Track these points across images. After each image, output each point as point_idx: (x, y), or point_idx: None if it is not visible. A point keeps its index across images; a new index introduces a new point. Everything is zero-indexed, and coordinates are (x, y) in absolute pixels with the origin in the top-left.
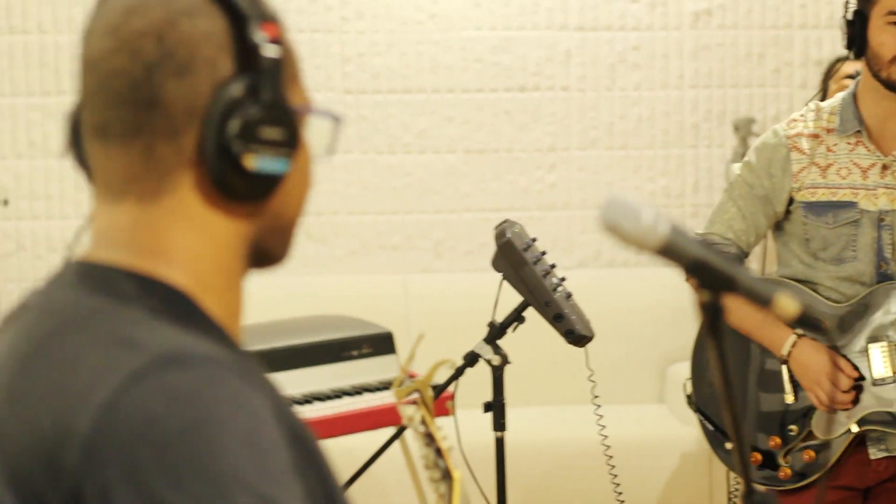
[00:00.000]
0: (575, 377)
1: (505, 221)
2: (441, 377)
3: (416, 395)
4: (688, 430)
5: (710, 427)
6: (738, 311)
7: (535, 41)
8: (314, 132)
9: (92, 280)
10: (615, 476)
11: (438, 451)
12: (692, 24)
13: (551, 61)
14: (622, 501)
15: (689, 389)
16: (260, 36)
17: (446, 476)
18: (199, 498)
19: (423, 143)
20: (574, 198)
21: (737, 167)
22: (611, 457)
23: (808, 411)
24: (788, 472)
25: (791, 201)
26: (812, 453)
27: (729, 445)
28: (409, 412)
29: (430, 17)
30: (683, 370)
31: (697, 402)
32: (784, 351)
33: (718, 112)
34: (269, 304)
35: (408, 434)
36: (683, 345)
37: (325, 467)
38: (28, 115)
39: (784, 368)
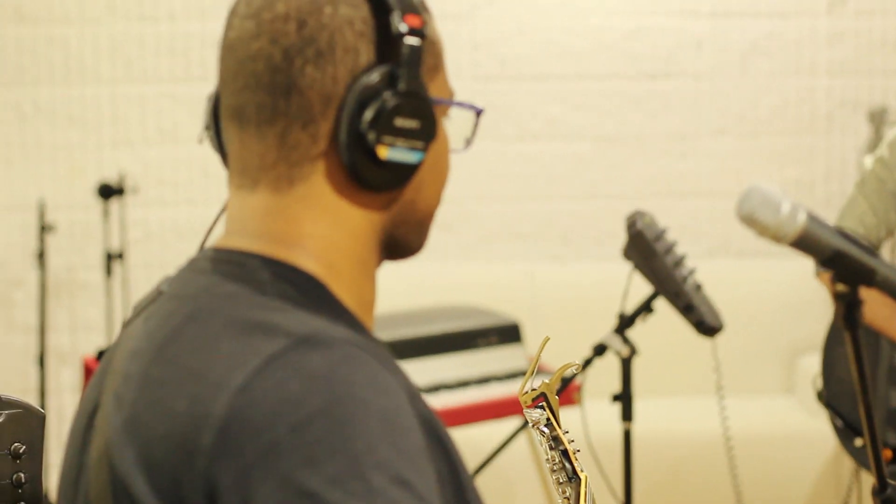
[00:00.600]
0: (704, 368)
1: (636, 211)
2: (577, 371)
3: (541, 398)
4: (816, 422)
5: (840, 423)
6: (870, 305)
7: (666, 29)
8: (454, 123)
9: (226, 266)
10: (740, 469)
11: (565, 453)
12: (827, 10)
13: (682, 49)
14: (747, 494)
15: (820, 385)
16: (402, 26)
17: (573, 478)
18: (334, 477)
19: (552, 131)
20: (704, 187)
21: (869, 161)
22: (732, 449)
23: None
24: None
25: None
26: None
27: (859, 442)
28: (535, 415)
29: (561, 4)
30: (812, 361)
31: (828, 398)
32: None
33: (853, 101)
34: (395, 291)
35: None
36: (812, 336)
37: (455, 456)
38: (158, 103)
39: None
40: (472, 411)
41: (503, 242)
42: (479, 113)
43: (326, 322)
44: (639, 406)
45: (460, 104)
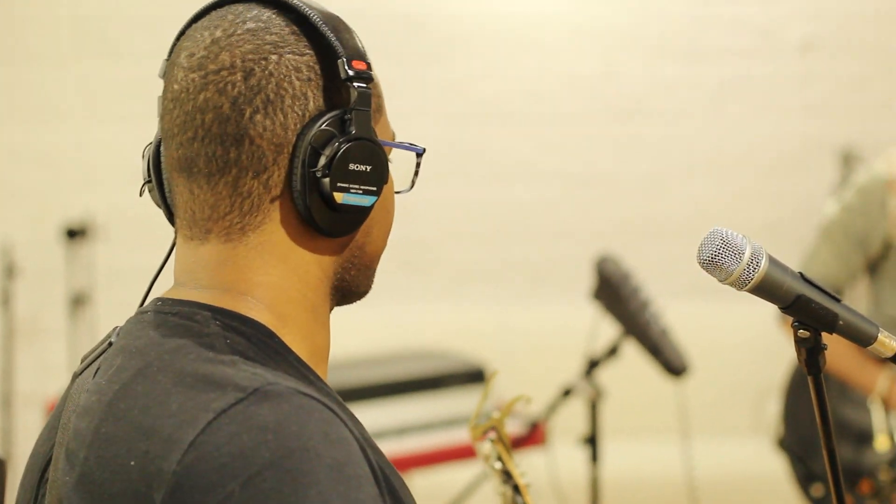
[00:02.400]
0: (673, 409)
1: (603, 255)
2: (530, 411)
3: (492, 433)
4: (784, 464)
5: (802, 469)
6: (830, 350)
7: (636, 70)
8: (397, 165)
9: (175, 318)
10: None
11: (516, 489)
12: (799, 52)
13: (653, 90)
14: None
15: (782, 432)
16: (350, 71)
17: None
18: None
19: (521, 172)
20: (673, 228)
21: (832, 206)
22: (696, 492)
23: None
24: None
25: (888, 243)
26: None
27: (817, 490)
28: (486, 449)
29: (532, 46)
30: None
31: (789, 444)
32: (883, 387)
33: (823, 142)
34: (362, 333)
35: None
36: (781, 378)
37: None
38: (125, 144)
39: (878, 410)
40: (437, 454)
41: (472, 284)
42: (420, 154)
43: (278, 374)
44: (607, 447)
45: (404, 146)
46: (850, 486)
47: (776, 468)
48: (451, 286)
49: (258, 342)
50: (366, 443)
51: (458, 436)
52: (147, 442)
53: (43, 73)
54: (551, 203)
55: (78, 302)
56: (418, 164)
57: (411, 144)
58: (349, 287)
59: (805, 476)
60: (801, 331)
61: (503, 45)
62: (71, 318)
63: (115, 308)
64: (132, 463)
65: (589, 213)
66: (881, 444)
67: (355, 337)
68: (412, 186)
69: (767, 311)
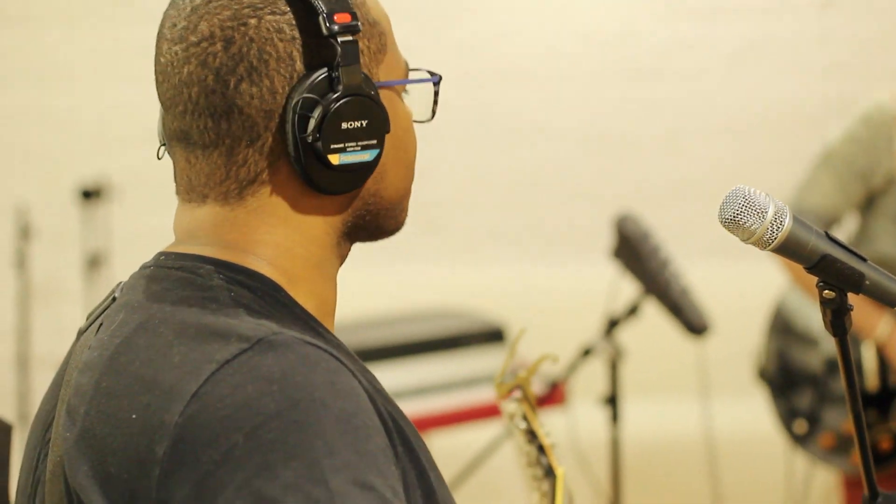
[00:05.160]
0: (692, 368)
1: (623, 214)
2: (549, 370)
3: (517, 392)
4: None
5: (784, 404)
6: None
7: (655, 29)
8: (415, 95)
9: (178, 272)
10: (726, 471)
11: (541, 448)
12: (820, 10)
13: (672, 50)
14: (733, 495)
15: (763, 363)
16: (332, 26)
17: (549, 474)
18: (293, 483)
19: (539, 133)
20: (693, 188)
21: (835, 134)
22: (715, 451)
23: (892, 398)
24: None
25: (891, 178)
26: (891, 441)
27: (799, 426)
28: (511, 408)
29: (549, 5)
30: None
31: (771, 377)
32: (883, 332)
33: (844, 102)
34: (381, 294)
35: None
36: None
37: (424, 456)
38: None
39: (870, 353)
40: (457, 414)
41: (491, 245)
42: (436, 83)
43: (283, 325)
44: (627, 407)
45: (416, 80)
46: (834, 426)
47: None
48: (471, 247)
49: (263, 295)
50: (376, 392)
51: (478, 395)
52: (148, 395)
53: (57, 33)
54: (570, 163)
55: (94, 263)
56: (436, 93)
57: (427, 74)
58: (368, 230)
59: (787, 412)
60: (827, 291)
61: (520, 4)
62: (87, 280)
63: (131, 269)
64: (133, 416)
65: (608, 173)
66: (871, 385)
67: (375, 298)
68: (433, 116)
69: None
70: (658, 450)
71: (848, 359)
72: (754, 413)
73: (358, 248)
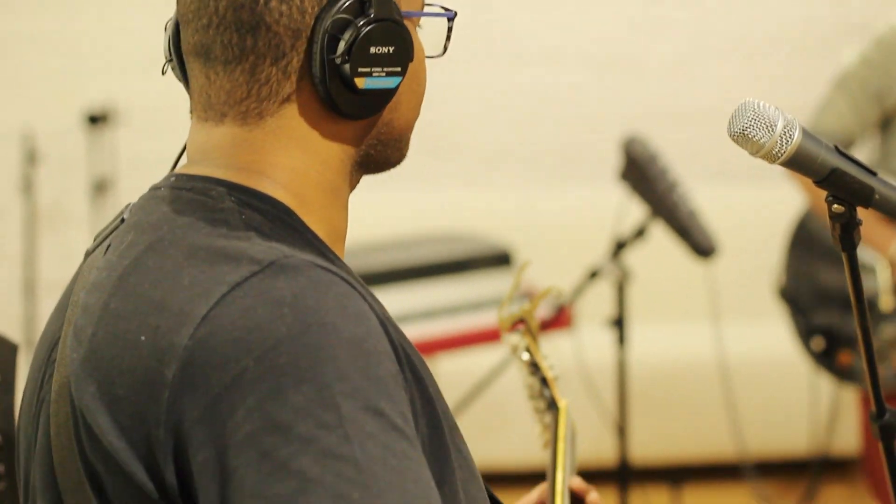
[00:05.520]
0: (701, 292)
1: (631, 136)
2: (558, 297)
3: (521, 324)
4: None
5: (802, 321)
6: None
7: None
8: (427, 30)
9: (189, 193)
10: (737, 394)
11: (544, 381)
12: None
13: None
14: (744, 419)
15: (784, 282)
16: None
17: (552, 406)
18: (303, 407)
19: (548, 56)
20: (702, 112)
21: (850, 57)
22: (728, 374)
23: None
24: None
25: None
26: None
27: (816, 343)
28: (514, 340)
29: None
30: None
31: (791, 295)
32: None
33: (855, 25)
34: (389, 219)
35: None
36: None
37: (431, 385)
38: (147, 30)
39: (885, 275)
40: (463, 338)
41: (498, 168)
42: (451, 18)
43: (294, 248)
44: (634, 331)
45: (433, 14)
46: (851, 343)
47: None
48: (477, 171)
49: (274, 219)
50: (386, 320)
51: (485, 319)
52: (158, 316)
53: None
54: (578, 86)
55: (100, 188)
56: (450, 29)
57: (442, 9)
58: (376, 161)
59: (806, 329)
60: (836, 205)
61: None
62: (93, 205)
63: (137, 194)
64: (142, 338)
65: (616, 96)
66: (885, 303)
67: (382, 222)
68: (444, 51)
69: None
70: (667, 374)
71: (856, 274)
72: (766, 336)
73: None
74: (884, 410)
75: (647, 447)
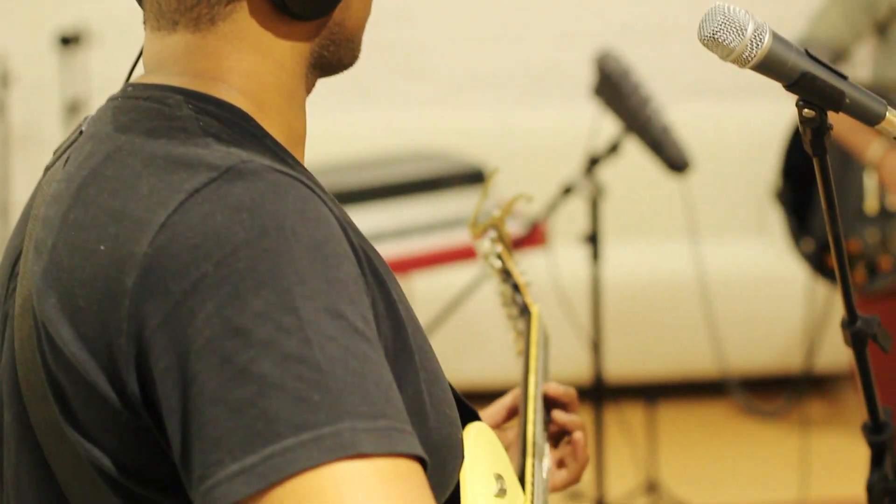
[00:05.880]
0: (676, 210)
1: (603, 52)
2: (529, 210)
3: (492, 231)
4: (789, 264)
5: (795, 222)
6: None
7: None
8: None
9: (146, 102)
10: (713, 311)
11: (516, 287)
12: None
13: None
14: (719, 336)
15: (780, 184)
16: None
17: (524, 312)
18: (263, 312)
19: None
20: (674, 26)
21: None
22: (708, 289)
23: (891, 219)
24: (863, 276)
25: None
26: (891, 259)
27: (806, 244)
28: (485, 248)
29: None
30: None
31: (786, 197)
32: (876, 154)
33: None
34: (363, 139)
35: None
36: None
37: (394, 289)
38: None
39: (872, 179)
40: (436, 256)
41: (471, 87)
42: None
43: (253, 154)
44: (611, 250)
45: None
46: None
47: (780, 269)
48: (450, 90)
49: (232, 125)
50: (347, 224)
51: (458, 237)
52: (117, 226)
53: None
54: (551, 4)
55: (73, 110)
56: None
57: None
58: (330, 63)
59: (797, 229)
60: (807, 110)
61: None
62: (66, 127)
63: None
64: (102, 248)
65: (589, 13)
66: (870, 207)
67: (355, 141)
68: None
69: (771, 108)
70: (643, 291)
71: (827, 179)
72: (742, 252)
73: (339, 92)
74: (855, 317)
75: (623, 364)
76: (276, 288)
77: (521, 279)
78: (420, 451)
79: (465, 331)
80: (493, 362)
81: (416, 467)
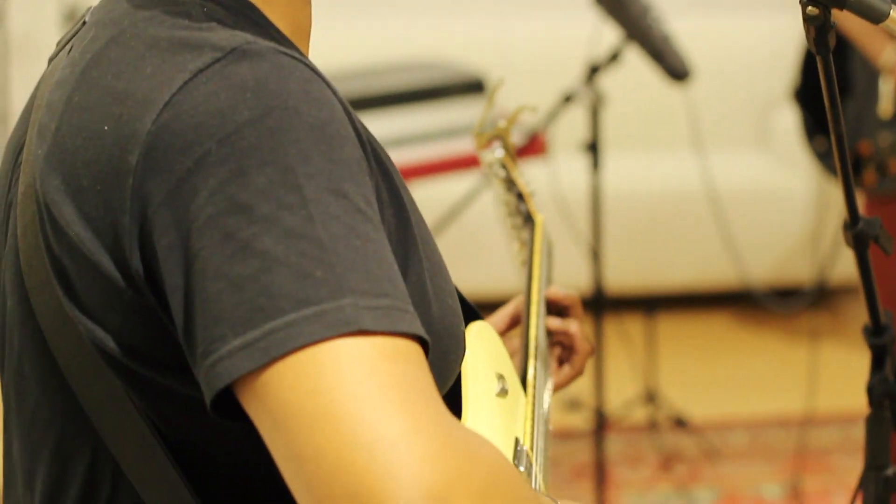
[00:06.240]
0: (677, 123)
1: None
2: (529, 120)
3: (497, 142)
4: (791, 176)
5: (810, 120)
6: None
7: None
8: None
9: None
10: (716, 223)
11: (520, 196)
12: None
13: None
14: (722, 248)
15: (798, 82)
16: None
17: (528, 220)
18: (266, 189)
19: None
20: None
21: None
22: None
23: None
24: (873, 178)
25: None
26: None
27: (819, 143)
28: (489, 158)
29: None
30: (785, 116)
31: (803, 95)
32: (890, 59)
33: None
34: (364, 47)
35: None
36: (786, 89)
37: (396, 176)
38: None
39: (888, 84)
40: (437, 165)
41: None
42: None
43: (257, 37)
44: (612, 161)
45: None
46: (850, 145)
47: (783, 181)
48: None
49: (237, 13)
50: (351, 111)
51: (458, 146)
52: (121, 106)
53: None
54: None
55: (71, 17)
56: None
57: None
58: None
59: (812, 127)
60: (810, 7)
61: None
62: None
63: None
64: (106, 128)
65: None
66: (885, 111)
67: (355, 50)
68: None
69: (772, 21)
70: (640, 200)
71: (830, 78)
72: (741, 166)
73: (339, 2)
74: (857, 219)
75: (623, 276)
76: (279, 166)
77: (525, 189)
78: (421, 332)
79: (464, 241)
80: (493, 272)
81: (416, 347)
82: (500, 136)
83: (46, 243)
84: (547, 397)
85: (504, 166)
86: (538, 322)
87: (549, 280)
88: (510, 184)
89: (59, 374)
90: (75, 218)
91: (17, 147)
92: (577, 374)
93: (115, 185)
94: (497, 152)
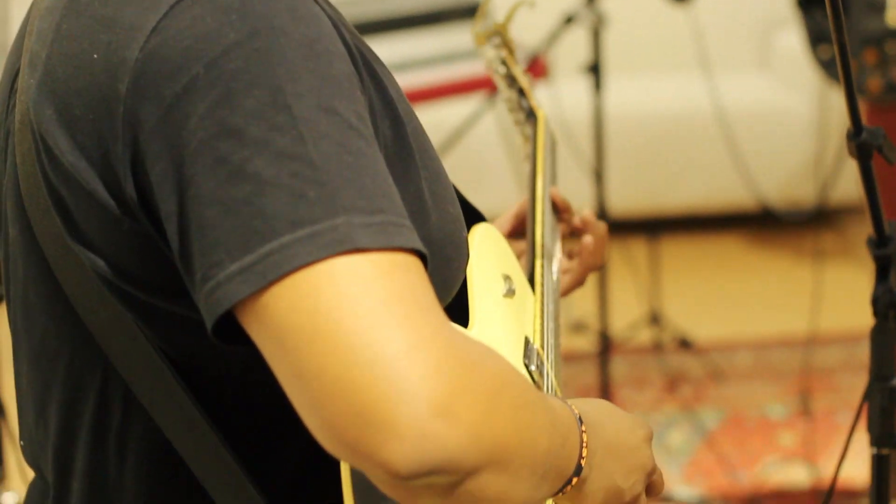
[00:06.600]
0: (679, 44)
1: None
2: (532, 34)
3: (496, 38)
4: (793, 98)
5: (814, 27)
6: None
7: None
8: None
9: None
10: (721, 144)
11: (521, 92)
12: None
13: None
14: (726, 169)
15: None
16: None
17: (531, 116)
18: (255, 111)
19: None
20: None
21: None
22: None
23: None
24: (878, 86)
25: None
26: None
27: (823, 51)
28: (490, 55)
29: None
30: (787, 37)
31: (806, 2)
32: None
33: None
34: None
35: (498, 102)
36: (788, 10)
37: (392, 88)
38: None
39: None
40: (438, 89)
41: None
42: None
43: None
44: (615, 83)
45: None
46: (856, 53)
47: (786, 103)
48: None
49: None
50: (341, 23)
51: (459, 70)
52: (109, 33)
53: None
54: None
55: None
56: None
57: None
58: None
59: (815, 35)
60: None
61: None
62: None
63: None
64: (95, 56)
65: None
66: (892, 18)
67: None
68: None
69: None
70: (643, 122)
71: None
72: (743, 88)
73: None
74: (860, 129)
75: (627, 198)
76: (267, 87)
77: (526, 84)
78: (418, 245)
79: (467, 164)
80: (496, 195)
81: (414, 261)
82: (499, 33)
83: (43, 172)
84: (554, 290)
85: (504, 62)
86: (543, 220)
87: (553, 176)
88: (511, 80)
89: (65, 301)
90: (69, 147)
91: (12, 72)
92: (578, 283)
93: (106, 113)
94: (496, 49)
